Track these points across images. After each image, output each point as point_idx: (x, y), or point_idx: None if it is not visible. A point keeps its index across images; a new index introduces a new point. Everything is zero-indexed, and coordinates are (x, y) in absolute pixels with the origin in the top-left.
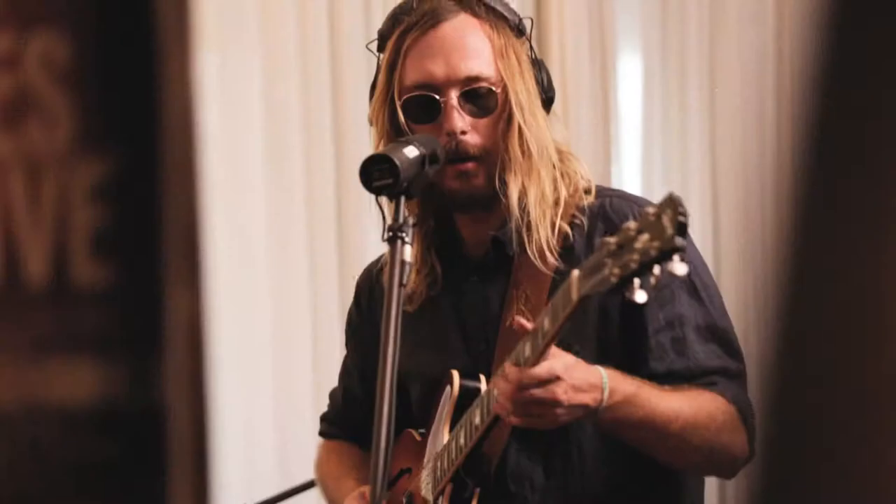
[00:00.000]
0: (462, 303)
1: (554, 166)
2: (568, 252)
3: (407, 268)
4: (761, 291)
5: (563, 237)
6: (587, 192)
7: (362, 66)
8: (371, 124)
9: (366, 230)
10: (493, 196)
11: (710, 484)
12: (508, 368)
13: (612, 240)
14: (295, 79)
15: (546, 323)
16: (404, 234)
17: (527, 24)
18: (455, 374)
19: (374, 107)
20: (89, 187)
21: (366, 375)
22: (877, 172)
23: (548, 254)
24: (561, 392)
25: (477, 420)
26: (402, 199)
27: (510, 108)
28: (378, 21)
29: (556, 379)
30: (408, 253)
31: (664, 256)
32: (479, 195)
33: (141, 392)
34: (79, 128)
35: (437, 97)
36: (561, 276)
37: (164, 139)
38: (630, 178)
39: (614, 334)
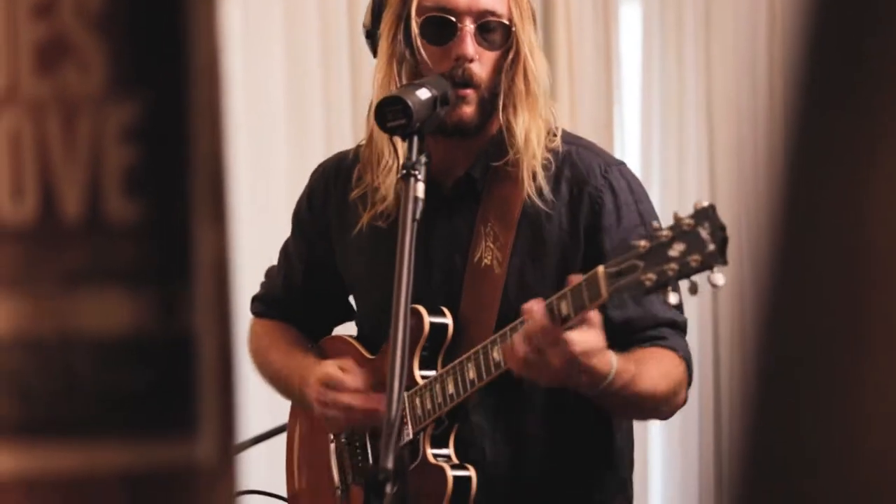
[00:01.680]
0: (429, 232)
1: (551, 107)
2: (538, 192)
3: (420, 204)
4: (755, 227)
5: (532, 175)
6: (555, 136)
7: None
8: (367, 36)
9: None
10: (480, 126)
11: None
12: (538, 309)
13: (642, 243)
14: (314, 23)
15: (563, 307)
16: (417, 172)
17: None
18: (422, 309)
19: (386, 20)
20: (121, 128)
21: (309, 267)
22: (868, 109)
23: (532, 190)
24: (574, 370)
25: (472, 375)
26: (416, 138)
27: (518, 47)
28: None
29: (581, 356)
30: (420, 190)
31: (705, 269)
32: (467, 122)
33: (170, 322)
34: (111, 72)
35: (455, 21)
36: (529, 212)
37: (191, 82)
38: (630, 120)
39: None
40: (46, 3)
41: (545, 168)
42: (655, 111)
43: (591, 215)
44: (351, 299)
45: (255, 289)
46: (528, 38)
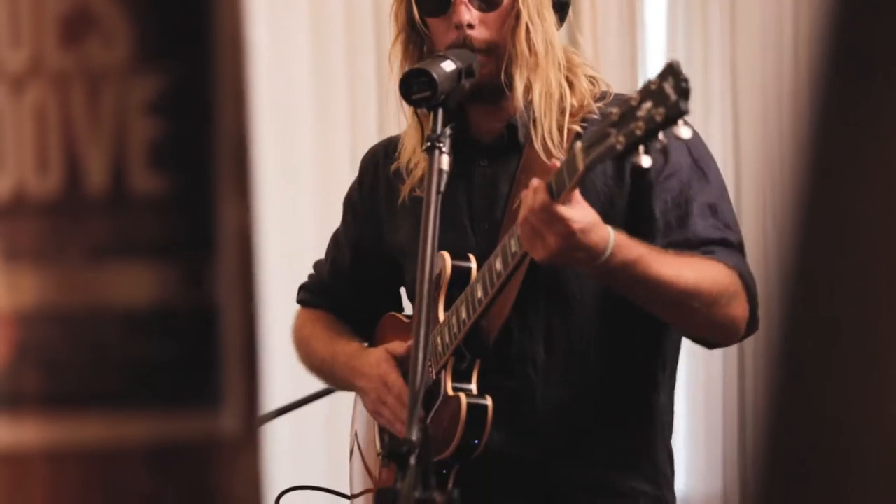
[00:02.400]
0: (472, 185)
1: (560, 67)
2: (547, 151)
3: (444, 176)
4: (780, 197)
5: (582, 125)
6: (606, 94)
7: None
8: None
9: None
10: (499, 89)
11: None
12: (538, 186)
13: (614, 110)
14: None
15: (553, 187)
16: (442, 144)
17: None
18: (446, 254)
19: (394, 2)
20: (146, 101)
21: (358, 248)
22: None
23: (553, 148)
24: (561, 239)
25: (479, 294)
26: (440, 110)
27: (518, 6)
28: None
29: (567, 229)
30: (445, 162)
31: (669, 122)
32: (485, 84)
33: (194, 294)
34: (136, 45)
35: None
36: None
37: (216, 56)
38: None
39: (619, 220)
40: None
41: (593, 117)
42: None
43: None
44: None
45: (280, 260)
46: None
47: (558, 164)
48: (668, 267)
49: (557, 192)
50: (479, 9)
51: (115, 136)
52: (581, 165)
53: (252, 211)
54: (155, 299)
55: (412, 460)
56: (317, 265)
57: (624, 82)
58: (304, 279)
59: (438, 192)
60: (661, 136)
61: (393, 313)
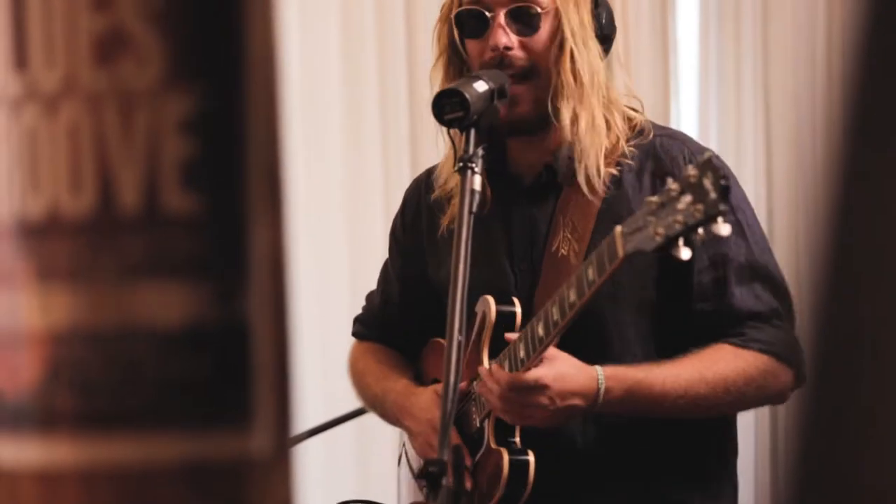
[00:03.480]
0: (511, 223)
1: (604, 97)
2: (617, 185)
3: (476, 196)
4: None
5: (617, 168)
6: (642, 131)
7: (436, 1)
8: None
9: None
10: (541, 121)
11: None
12: (496, 369)
13: (654, 199)
14: (370, 17)
15: (590, 272)
16: (474, 165)
17: None
18: (490, 299)
19: (438, 22)
20: (178, 121)
21: (404, 280)
22: None
23: (596, 183)
24: (545, 399)
25: (521, 354)
26: (473, 131)
27: (562, 34)
28: None
29: (543, 387)
30: (477, 182)
31: (709, 220)
32: (524, 121)
33: (226, 313)
34: (168, 65)
35: (486, 13)
36: (608, 206)
37: (248, 76)
38: (687, 110)
39: (654, 273)
40: None
41: (626, 163)
42: (713, 101)
43: None
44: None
45: (312, 280)
46: (575, 25)
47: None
48: (676, 378)
49: (599, 272)
50: (518, 32)
51: (148, 155)
52: (621, 252)
53: (283, 230)
54: (187, 318)
55: (443, 481)
56: (369, 296)
57: (656, 104)
58: (335, 298)
59: (471, 212)
60: (699, 231)
61: (437, 339)
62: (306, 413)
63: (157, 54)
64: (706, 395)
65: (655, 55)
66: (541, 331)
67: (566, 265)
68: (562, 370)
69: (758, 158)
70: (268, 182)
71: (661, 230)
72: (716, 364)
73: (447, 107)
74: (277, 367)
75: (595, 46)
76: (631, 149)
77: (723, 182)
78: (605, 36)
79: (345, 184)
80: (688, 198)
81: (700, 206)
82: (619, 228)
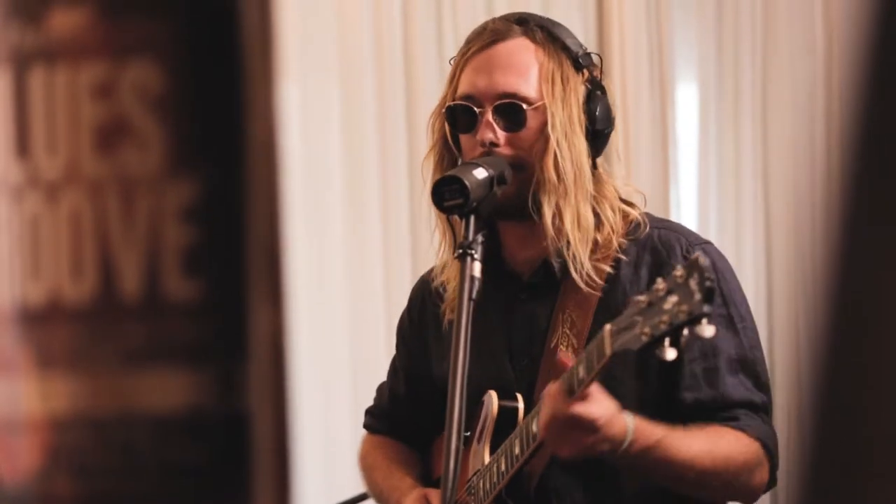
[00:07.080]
0: (510, 318)
1: (592, 193)
2: (613, 280)
3: (476, 283)
4: (812, 313)
5: (612, 265)
6: (638, 225)
7: (436, 93)
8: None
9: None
10: (524, 211)
11: None
12: (560, 393)
13: (642, 298)
14: (371, 106)
15: (580, 371)
16: (473, 251)
17: (595, 59)
18: (493, 394)
19: (432, 115)
20: (179, 208)
21: (411, 378)
22: None
23: (591, 279)
24: (590, 439)
25: (517, 450)
26: (472, 217)
27: (546, 130)
28: (452, 52)
29: (594, 428)
30: (477, 269)
31: (693, 321)
32: (509, 204)
33: (227, 400)
34: (169, 152)
35: (475, 109)
36: (605, 302)
37: (249, 163)
38: (687, 199)
39: (655, 362)
40: (107, 85)
41: (622, 257)
42: (712, 191)
43: None
44: None
45: (312, 366)
46: (560, 121)
47: (570, 363)
48: (688, 447)
49: (588, 371)
50: (505, 128)
51: (149, 242)
52: (608, 351)
53: (284, 316)
54: (187, 404)
55: None
56: (379, 388)
57: (656, 194)
58: (335, 385)
59: (471, 298)
60: (684, 332)
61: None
62: (306, 500)
63: (157, 142)
64: (709, 471)
65: (655, 145)
66: (535, 427)
67: (565, 362)
68: (608, 410)
69: (757, 245)
70: (268, 267)
71: (647, 330)
72: (721, 439)
73: (447, 193)
74: (277, 454)
75: (580, 142)
76: (626, 242)
77: (708, 284)
78: (598, 131)
79: (346, 267)
80: (674, 298)
81: (685, 308)
82: (608, 327)
